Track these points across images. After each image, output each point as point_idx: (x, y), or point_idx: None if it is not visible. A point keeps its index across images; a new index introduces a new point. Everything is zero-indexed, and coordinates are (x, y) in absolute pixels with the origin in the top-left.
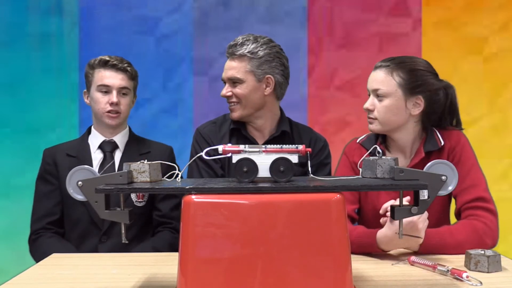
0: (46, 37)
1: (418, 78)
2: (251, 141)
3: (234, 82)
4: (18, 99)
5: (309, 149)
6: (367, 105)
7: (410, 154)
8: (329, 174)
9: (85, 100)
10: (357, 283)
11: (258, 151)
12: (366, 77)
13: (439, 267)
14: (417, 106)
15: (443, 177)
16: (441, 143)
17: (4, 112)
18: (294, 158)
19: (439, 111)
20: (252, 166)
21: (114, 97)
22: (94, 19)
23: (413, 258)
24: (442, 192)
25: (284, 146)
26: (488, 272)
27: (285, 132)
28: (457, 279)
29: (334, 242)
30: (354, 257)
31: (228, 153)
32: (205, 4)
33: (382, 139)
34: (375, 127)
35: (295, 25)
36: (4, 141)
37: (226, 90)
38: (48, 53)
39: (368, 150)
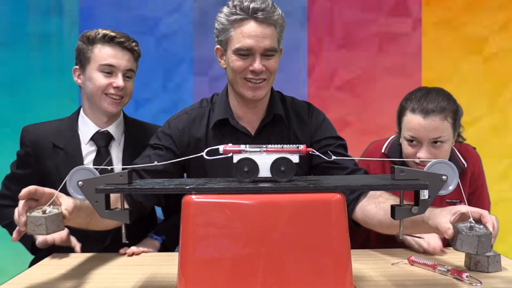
0: (46, 37)
1: (459, 113)
2: (242, 132)
3: (270, 54)
4: (18, 99)
5: (310, 149)
6: (425, 155)
7: None
8: (345, 149)
9: (75, 78)
10: (357, 283)
11: (259, 151)
12: (366, 77)
13: (439, 267)
14: (454, 137)
15: (444, 177)
16: (464, 165)
17: (4, 112)
18: (295, 158)
19: None
20: (253, 166)
21: (120, 80)
22: (94, 19)
23: (413, 258)
24: (443, 192)
25: (284, 146)
26: (488, 272)
27: (278, 115)
28: (457, 279)
29: (334, 242)
30: (354, 257)
31: (229, 153)
32: (205, 4)
33: None
34: None
35: (295, 25)
36: (4, 141)
37: (262, 64)
38: (48, 53)
39: (393, 161)
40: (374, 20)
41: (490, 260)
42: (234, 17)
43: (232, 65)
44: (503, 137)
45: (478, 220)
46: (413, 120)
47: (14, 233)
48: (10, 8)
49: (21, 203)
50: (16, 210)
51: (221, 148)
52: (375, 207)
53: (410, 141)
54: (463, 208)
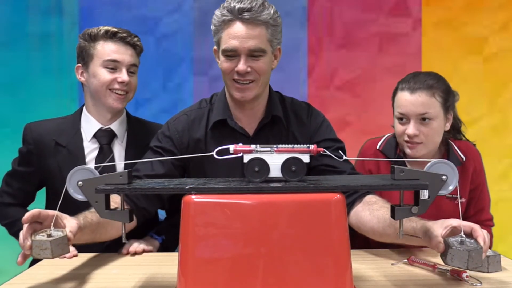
0: (46, 37)
1: (451, 94)
2: (240, 132)
3: (257, 54)
4: (18, 99)
5: (321, 149)
6: (413, 131)
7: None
8: (344, 151)
9: (78, 76)
10: (357, 283)
11: (270, 151)
12: (366, 77)
13: (439, 267)
14: (448, 121)
15: (444, 177)
16: (462, 159)
17: (4, 112)
18: (305, 158)
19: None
20: (263, 165)
21: (124, 75)
22: (94, 19)
23: (413, 258)
24: (443, 192)
25: (295, 146)
26: (488, 272)
27: (276, 116)
28: (457, 279)
29: (334, 242)
30: (354, 257)
31: (239, 152)
32: (205, 4)
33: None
34: (419, 151)
35: (295, 25)
36: (4, 141)
37: (246, 65)
38: (48, 53)
39: (389, 157)
40: (374, 20)
41: (490, 260)
42: (223, 18)
43: (221, 66)
44: (503, 137)
45: (469, 234)
46: (401, 97)
47: (19, 257)
48: (10, 8)
49: (25, 226)
50: (21, 234)
51: (231, 147)
52: (369, 214)
53: (400, 119)
54: (455, 221)
